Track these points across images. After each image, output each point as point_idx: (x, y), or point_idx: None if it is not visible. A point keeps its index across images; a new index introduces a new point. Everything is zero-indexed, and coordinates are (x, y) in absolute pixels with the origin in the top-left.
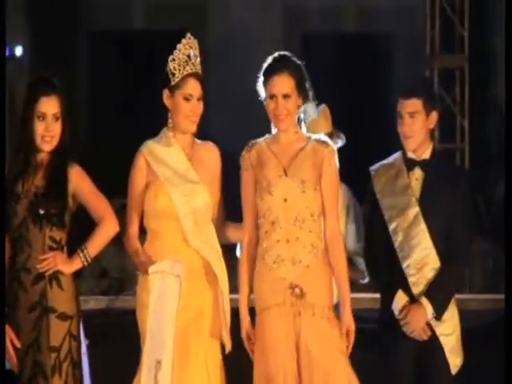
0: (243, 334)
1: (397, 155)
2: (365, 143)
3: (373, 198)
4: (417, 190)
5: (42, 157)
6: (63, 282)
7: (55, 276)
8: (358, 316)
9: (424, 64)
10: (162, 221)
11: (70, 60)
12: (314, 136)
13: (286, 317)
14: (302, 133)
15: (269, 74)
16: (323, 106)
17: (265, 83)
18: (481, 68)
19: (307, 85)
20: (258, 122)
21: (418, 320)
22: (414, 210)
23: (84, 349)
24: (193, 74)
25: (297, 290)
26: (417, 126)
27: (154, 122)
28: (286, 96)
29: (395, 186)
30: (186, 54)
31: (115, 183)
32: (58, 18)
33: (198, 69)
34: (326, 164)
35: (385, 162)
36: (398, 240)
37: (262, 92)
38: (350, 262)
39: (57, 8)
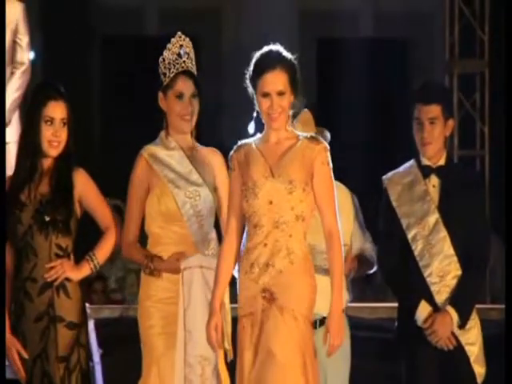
0: (212, 323)
1: (410, 163)
2: (381, 148)
3: (387, 206)
4: (435, 197)
5: (48, 163)
6: (70, 291)
7: (62, 284)
8: (377, 325)
9: (443, 69)
10: (166, 224)
11: (84, 65)
12: (305, 134)
13: (256, 325)
14: (292, 131)
15: (260, 70)
16: (304, 111)
17: (255, 80)
18: (501, 73)
19: (298, 80)
20: None
21: (445, 328)
22: (434, 217)
23: (97, 358)
24: (184, 72)
25: (267, 294)
26: (436, 133)
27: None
28: (280, 93)
29: (412, 194)
30: (175, 53)
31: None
32: (71, 22)
33: (190, 67)
34: (317, 162)
35: (398, 170)
36: (417, 248)
37: (250, 88)
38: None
39: (70, 13)
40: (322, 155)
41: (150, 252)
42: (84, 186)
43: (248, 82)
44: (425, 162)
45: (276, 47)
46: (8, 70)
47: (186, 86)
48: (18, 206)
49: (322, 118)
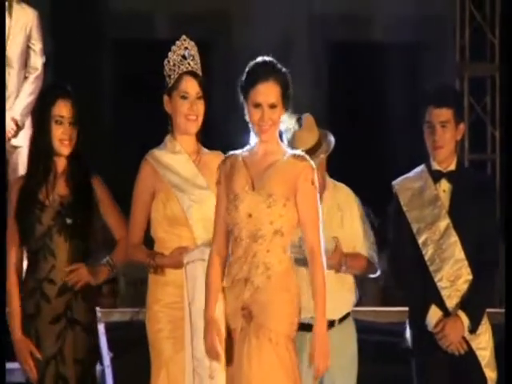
0: (213, 334)
1: (420, 168)
2: (391, 152)
3: (397, 211)
4: (445, 202)
5: (61, 163)
6: (87, 295)
7: (80, 288)
8: (387, 330)
9: (453, 72)
10: (171, 228)
11: (94, 68)
12: (292, 150)
13: (235, 343)
14: (281, 145)
15: (253, 80)
16: (306, 116)
17: (247, 89)
18: None
19: (290, 93)
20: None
21: (456, 333)
22: (445, 221)
23: (108, 361)
24: (188, 73)
25: (245, 312)
26: (447, 136)
27: None
28: (272, 106)
29: (423, 199)
30: (180, 55)
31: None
32: (81, 26)
33: (196, 68)
34: (301, 179)
35: (408, 175)
36: (428, 253)
37: (240, 98)
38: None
39: (81, 17)
40: (306, 172)
41: (153, 251)
42: (101, 194)
43: (239, 90)
44: (435, 166)
45: (270, 58)
46: (21, 75)
47: (190, 86)
48: (37, 205)
49: (332, 121)
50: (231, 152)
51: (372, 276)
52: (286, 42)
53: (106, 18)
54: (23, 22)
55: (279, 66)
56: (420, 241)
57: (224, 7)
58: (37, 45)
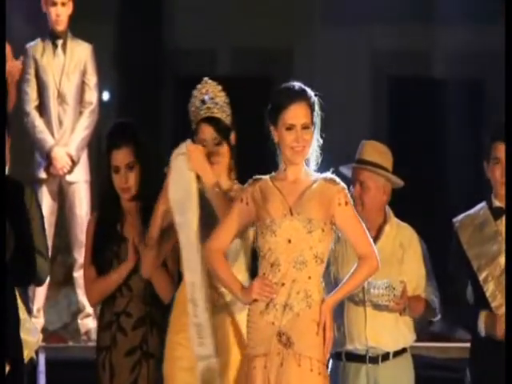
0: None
1: (481, 205)
2: (453, 188)
3: (458, 248)
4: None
5: (131, 204)
6: (162, 329)
7: (155, 322)
8: (447, 366)
9: None
10: None
11: (157, 104)
12: (321, 174)
13: (270, 368)
14: (309, 170)
15: (285, 102)
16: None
17: (278, 112)
18: None
19: (319, 116)
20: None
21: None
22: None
23: None
24: (205, 119)
25: (284, 338)
26: None
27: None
28: (305, 126)
29: (483, 235)
30: (200, 99)
31: None
32: (144, 62)
33: (214, 112)
34: (335, 203)
35: (469, 212)
36: (489, 289)
37: (269, 122)
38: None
39: (143, 53)
40: (339, 196)
41: None
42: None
43: (267, 115)
44: (496, 203)
45: (299, 83)
46: (77, 111)
47: (207, 134)
48: (115, 242)
49: (392, 154)
50: (256, 176)
51: (430, 319)
52: (347, 77)
53: (168, 54)
54: (78, 58)
55: (308, 89)
56: (481, 277)
57: (286, 42)
58: (91, 79)
